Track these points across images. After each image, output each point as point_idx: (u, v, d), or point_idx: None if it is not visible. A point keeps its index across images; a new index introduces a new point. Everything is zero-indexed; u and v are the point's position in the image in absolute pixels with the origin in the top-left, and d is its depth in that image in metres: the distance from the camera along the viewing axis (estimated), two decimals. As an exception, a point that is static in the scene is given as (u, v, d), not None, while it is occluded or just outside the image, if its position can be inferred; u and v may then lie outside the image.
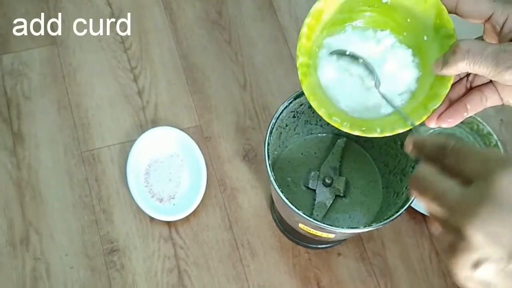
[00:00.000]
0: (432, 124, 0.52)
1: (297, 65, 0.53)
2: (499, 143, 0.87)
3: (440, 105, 0.51)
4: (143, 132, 0.83)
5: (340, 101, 0.55)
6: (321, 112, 0.53)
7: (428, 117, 0.52)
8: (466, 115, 0.51)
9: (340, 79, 0.55)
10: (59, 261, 0.77)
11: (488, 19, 0.48)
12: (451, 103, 0.52)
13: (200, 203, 0.80)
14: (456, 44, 0.46)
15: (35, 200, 0.80)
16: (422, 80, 0.54)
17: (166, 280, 0.78)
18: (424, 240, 0.84)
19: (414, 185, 0.38)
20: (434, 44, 0.52)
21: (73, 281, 0.76)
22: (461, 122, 0.88)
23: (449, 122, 0.51)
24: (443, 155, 0.38)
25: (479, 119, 0.88)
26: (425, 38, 0.53)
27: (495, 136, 0.87)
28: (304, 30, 0.53)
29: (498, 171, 0.33)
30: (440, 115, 0.51)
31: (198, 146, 0.83)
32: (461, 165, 0.36)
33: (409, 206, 0.62)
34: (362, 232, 0.67)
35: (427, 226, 0.84)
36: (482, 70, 0.45)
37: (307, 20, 0.52)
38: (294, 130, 0.75)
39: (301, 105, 0.69)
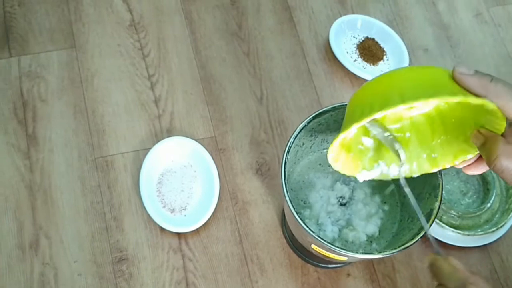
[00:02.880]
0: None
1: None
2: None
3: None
4: (158, 141, 0.83)
5: None
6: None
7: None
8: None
9: None
10: (68, 268, 0.77)
11: None
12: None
13: (211, 215, 0.80)
14: (497, 157, 0.47)
15: (46, 204, 0.80)
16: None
17: (174, 292, 0.77)
18: (435, 265, 0.83)
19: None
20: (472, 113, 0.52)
21: (81, 288, 0.76)
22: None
23: (472, 173, 0.55)
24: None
25: (495, 144, 0.87)
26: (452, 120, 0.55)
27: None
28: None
29: None
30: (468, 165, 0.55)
31: (212, 157, 0.82)
32: None
33: (424, 235, 0.61)
34: (376, 258, 0.66)
35: (438, 250, 0.83)
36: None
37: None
38: (310, 148, 0.74)
39: (319, 124, 0.69)
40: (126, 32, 0.92)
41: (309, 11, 0.99)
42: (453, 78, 0.47)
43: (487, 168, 0.52)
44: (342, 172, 0.60)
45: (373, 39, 0.97)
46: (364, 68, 0.95)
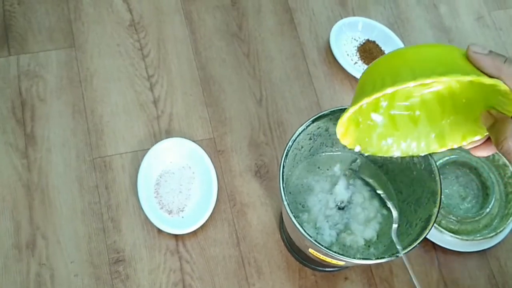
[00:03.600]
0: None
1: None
2: (514, 175, 0.86)
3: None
4: (156, 142, 0.83)
5: None
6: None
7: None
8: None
9: None
10: (64, 268, 0.76)
11: None
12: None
13: (209, 217, 0.79)
14: (505, 138, 0.46)
15: (43, 204, 0.80)
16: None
17: (170, 294, 0.77)
18: (433, 269, 0.83)
19: None
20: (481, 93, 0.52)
21: (77, 289, 0.76)
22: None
23: (480, 155, 0.54)
24: None
25: (495, 149, 0.87)
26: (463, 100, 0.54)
27: (510, 168, 0.86)
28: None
29: None
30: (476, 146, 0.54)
31: (211, 159, 0.82)
32: None
33: (423, 239, 0.61)
34: (373, 264, 0.66)
35: (436, 254, 0.83)
36: None
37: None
38: (309, 151, 0.74)
39: (318, 128, 0.68)
40: (125, 32, 0.92)
41: (309, 13, 0.98)
42: (467, 57, 0.47)
43: (495, 150, 0.51)
44: (349, 147, 0.60)
45: (374, 41, 0.97)
46: (365, 70, 0.94)
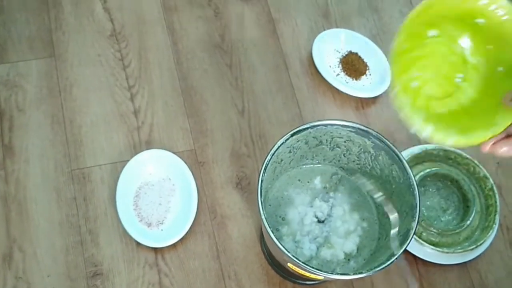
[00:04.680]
0: (486, 149, 0.53)
1: None
2: (494, 187, 0.86)
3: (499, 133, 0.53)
4: (136, 153, 0.82)
5: None
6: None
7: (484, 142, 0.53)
8: None
9: None
10: (41, 282, 0.75)
11: None
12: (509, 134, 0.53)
13: (188, 230, 0.78)
14: None
15: (21, 216, 0.79)
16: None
17: (149, 308, 0.76)
18: (414, 281, 0.82)
19: None
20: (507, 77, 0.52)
21: (53, 303, 0.75)
22: (458, 163, 0.88)
23: (503, 152, 0.52)
24: None
25: (476, 161, 0.87)
26: (500, 69, 0.54)
27: (491, 180, 0.86)
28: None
29: None
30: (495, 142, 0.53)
31: (191, 170, 0.82)
32: None
33: (402, 253, 0.61)
34: (352, 279, 0.65)
35: (417, 266, 0.83)
36: None
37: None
38: (289, 164, 0.74)
39: (298, 141, 0.68)
40: (107, 42, 0.91)
41: (292, 24, 0.98)
42: None
43: None
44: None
45: (356, 53, 0.97)
46: (347, 82, 0.94)
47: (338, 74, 0.95)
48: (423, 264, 0.83)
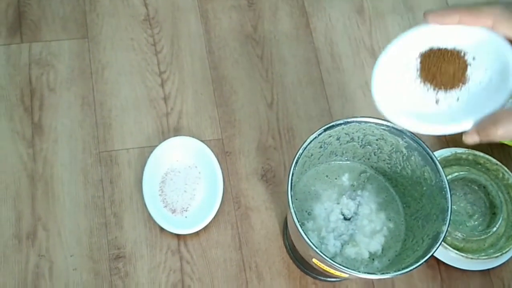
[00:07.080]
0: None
1: None
2: (523, 195, 0.84)
3: None
4: (164, 139, 0.82)
5: None
6: None
7: None
8: None
9: None
10: (63, 261, 0.76)
11: None
12: None
13: (212, 219, 0.78)
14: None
15: (46, 195, 0.79)
16: None
17: (169, 294, 0.76)
18: (435, 286, 0.81)
19: None
20: None
21: (75, 283, 0.75)
22: (487, 169, 0.86)
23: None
24: None
25: (505, 168, 0.86)
26: None
27: (520, 186, 0.85)
28: None
29: None
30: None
31: (218, 160, 0.81)
32: None
33: (431, 257, 0.60)
34: (376, 279, 0.65)
35: (439, 270, 0.82)
36: None
37: None
38: (318, 159, 0.73)
39: (329, 136, 0.67)
40: (140, 27, 0.91)
41: (326, 19, 0.97)
42: None
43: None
44: None
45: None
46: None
47: (370, 72, 0.94)
48: (445, 269, 0.82)
